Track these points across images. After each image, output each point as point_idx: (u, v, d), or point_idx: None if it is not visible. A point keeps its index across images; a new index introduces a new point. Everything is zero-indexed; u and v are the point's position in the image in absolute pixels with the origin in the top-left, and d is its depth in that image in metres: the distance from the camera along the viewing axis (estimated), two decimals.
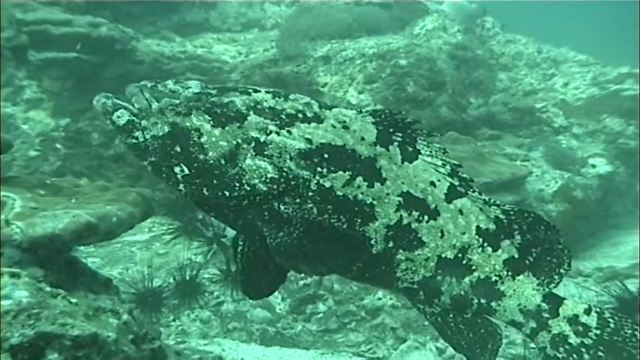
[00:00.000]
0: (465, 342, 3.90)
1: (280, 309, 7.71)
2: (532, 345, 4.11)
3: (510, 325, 3.95)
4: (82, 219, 3.67)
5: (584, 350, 3.86)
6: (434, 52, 10.44)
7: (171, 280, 7.65)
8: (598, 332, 3.87)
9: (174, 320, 7.33)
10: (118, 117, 3.35)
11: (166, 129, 3.33)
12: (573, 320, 3.89)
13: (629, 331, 3.86)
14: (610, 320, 3.89)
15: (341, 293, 7.89)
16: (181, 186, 3.36)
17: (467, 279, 3.80)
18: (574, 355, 3.85)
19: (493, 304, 3.86)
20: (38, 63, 9.15)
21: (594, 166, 10.03)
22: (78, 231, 3.65)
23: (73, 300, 3.62)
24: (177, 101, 3.38)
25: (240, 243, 3.66)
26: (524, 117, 10.90)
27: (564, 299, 3.94)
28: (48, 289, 3.54)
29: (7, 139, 4.12)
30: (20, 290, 3.39)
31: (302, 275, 7.81)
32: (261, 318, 7.51)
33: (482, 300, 3.85)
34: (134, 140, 3.35)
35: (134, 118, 3.35)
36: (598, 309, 3.93)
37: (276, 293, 7.66)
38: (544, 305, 3.88)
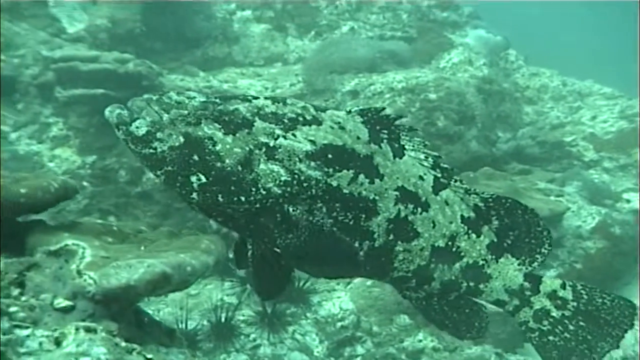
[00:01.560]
0: (449, 322, 4.20)
1: (318, 352, 7.59)
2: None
3: (494, 305, 4.25)
4: (157, 268, 3.51)
5: (567, 321, 4.27)
6: (463, 85, 10.37)
7: (205, 322, 7.51)
8: (574, 303, 4.27)
9: None
10: (137, 127, 3.42)
11: (181, 139, 3.41)
12: (552, 295, 4.27)
13: (599, 300, 4.27)
14: (583, 291, 4.29)
15: (380, 335, 7.77)
16: (194, 194, 3.44)
17: (457, 265, 4.06)
18: (559, 327, 4.26)
19: (481, 285, 4.16)
20: (64, 100, 9.05)
21: (628, 201, 9.90)
22: (153, 282, 3.49)
23: (149, 356, 3.44)
24: (186, 111, 3.46)
25: (249, 247, 3.76)
26: (553, 151, 10.87)
27: (542, 276, 4.29)
28: (123, 344, 3.37)
29: (73, 184, 3.95)
30: (98, 347, 3.21)
31: (339, 315, 7.79)
32: None
33: (471, 283, 4.14)
34: (151, 151, 3.42)
35: (151, 129, 3.42)
36: (571, 283, 4.33)
37: (314, 335, 7.65)
38: (526, 284, 4.22)
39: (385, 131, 3.79)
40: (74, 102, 9.09)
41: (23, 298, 3.46)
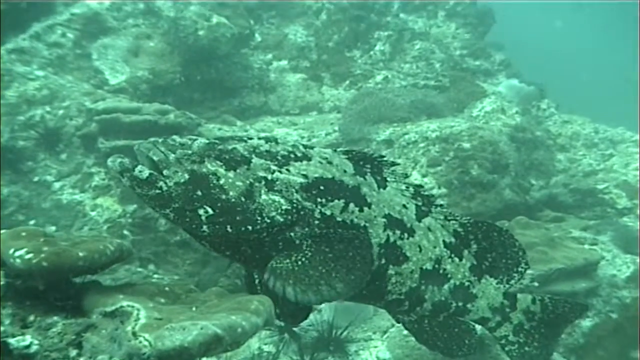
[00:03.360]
0: (441, 342, 4.44)
1: None
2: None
3: (477, 323, 4.60)
4: (210, 330, 3.62)
5: (534, 331, 4.69)
6: (496, 134, 10.45)
7: None
8: (540, 315, 4.71)
9: None
10: (140, 171, 3.62)
11: (186, 176, 3.61)
12: (526, 310, 4.68)
13: (560, 308, 4.74)
14: (549, 304, 4.73)
15: None
16: (204, 227, 3.65)
17: (446, 286, 4.36)
18: (530, 338, 4.67)
19: (468, 305, 4.48)
20: (107, 150, 9.27)
21: None
22: (206, 343, 3.60)
23: None
24: (190, 151, 3.68)
25: (256, 277, 4.05)
26: (585, 199, 10.87)
27: (516, 294, 4.66)
28: None
29: (128, 246, 4.11)
30: None
31: None
32: None
33: (460, 303, 4.45)
34: (157, 191, 3.62)
35: (155, 170, 3.63)
36: (540, 297, 4.76)
37: None
38: (505, 301, 4.60)
39: (369, 165, 4.10)
40: (116, 153, 9.25)
41: (81, 359, 3.62)
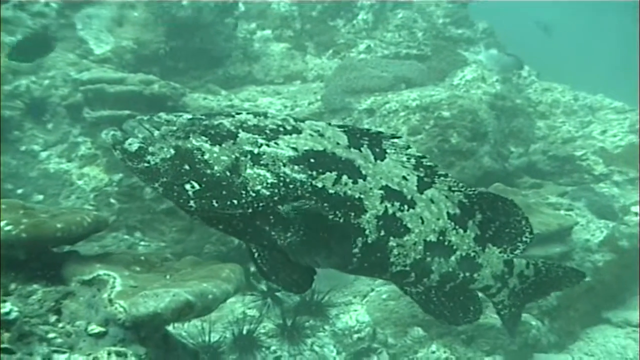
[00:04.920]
0: (447, 311, 4.51)
1: None
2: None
3: (480, 291, 4.64)
4: (181, 297, 3.83)
5: (522, 293, 4.80)
6: (475, 103, 10.57)
7: (228, 334, 7.78)
8: (533, 278, 4.79)
9: None
10: (130, 144, 3.65)
11: (172, 151, 3.65)
12: (520, 274, 4.73)
13: (554, 273, 4.84)
14: (542, 268, 4.80)
15: (395, 346, 8.03)
16: (192, 202, 3.65)
17: (453, 258, 4.34)
18: (518, 300, 4.80)
19: (475, 275, 4.50)
20: (92, 120, 9.37)
21: (636, 214, 10.09)
22: (178, 309, 3.80)
23: None
24: (175, 127, 3.71)
25: (254, 251, 3.96)
26: (564, 165, 11.05)
27: (513, 260, 4.66)
28: None
29: (104, 218, 4.30)
30: None
31: (356, 328, 8.07)
32: None
33: (467, 273, 4.46)
34: (146, 164, 3.65)
35: (143, 144, 3.65)
36: (534, 262, 4.81)
37: (332, 347, 7.94)
38: (505, 268, 4.63)
39: (367, 138, 4.06)
40: (102, 123, 9.37)
41: (60, 325, 3.82)
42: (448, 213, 4.29)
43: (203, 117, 3.81)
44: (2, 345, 3.50)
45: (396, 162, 4.12)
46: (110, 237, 8.67)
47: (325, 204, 3.83)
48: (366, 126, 9.78)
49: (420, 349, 7.99)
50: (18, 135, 9.38)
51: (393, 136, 4.15)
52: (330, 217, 3.84)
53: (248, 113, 3.89)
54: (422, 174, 4.20)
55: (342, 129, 4.02)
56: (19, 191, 8.96)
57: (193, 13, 11.04)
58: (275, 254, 3.93)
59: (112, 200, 9.08)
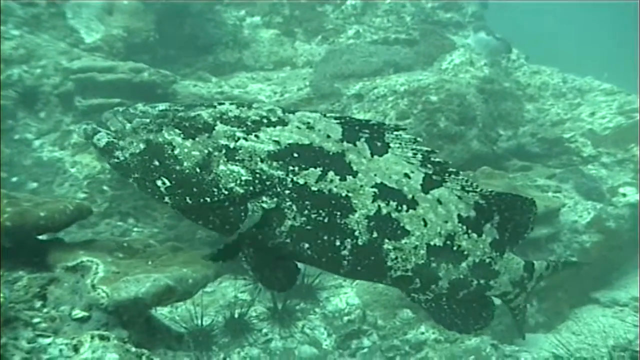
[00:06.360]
0: (459, 319, 4.23)
1: (326, 345, 7.94)
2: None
3: (499, 297, 4.41)
4: (162, 282, 3.92)
5: (534, 291, 4.69)
6: (463, 87, 10.65)
7: (220, 318, 7.90)
8: (549, 277, 4.72)
9: (224, 358, 7.54)
10: (98, 139, 3.63)
11: (142, 146, 3.57)
12: (539, 277, 4.56)
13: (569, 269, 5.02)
14: (559, 265, 4.70)
15: (385, 328, 8.13)
16: (166, 198, 3.61)
17: (464, 264, 4.05)
18: (531, 298, 4.79)
19: (491, 282, 4.24)
20: (84, 109, 9.43)
21: (624, 195, 10.16)
22: (158, 294, 3.89)
23: None
24: (148, 120, 3.61)
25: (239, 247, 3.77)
26: (552, 148, 11.13)
27: (534, 263, 4.48)
28: (134, 349, 3.78)
29: (87, 206, 4.40)
30: (111, 353, 3.63)
31: (346, 310, 8.17)
32: (309, 354, 7.75)
33: (482, 281, 4.19)
34: (116, 160, 3.62)
35: (112, 139, 3.60)
36: (554, 263, 4.66)
37: (322, 329, 8.05)
38: (525, 274, 4.39)
39: (367, 130, 3.80)
40: (93, 111, 9.43)
41: (45, 310, 3.91)
42: (459, 216, 3.99)
43: (180, 107, 3.69)
44: None
45: (399, 157, 3.82)
46: (103, 224, 8.76)
47: (307, 202, 3.63)
48: (355, 111, 9.93)
49: (410, 330, 8.11)
50: (11, 124, 9.43)
51: (397, 128, 3.88)
52: (313, 215, 3.65)
53: (231, 103, 3.75)
54: (430, 172, 3.90)
55: (338, 121, 3.78)
56: (14, 179, 9.03)
57: (182, 0, 11.09)
58: (259, 251, 3.77)
59: (105, 188, 9.14)
